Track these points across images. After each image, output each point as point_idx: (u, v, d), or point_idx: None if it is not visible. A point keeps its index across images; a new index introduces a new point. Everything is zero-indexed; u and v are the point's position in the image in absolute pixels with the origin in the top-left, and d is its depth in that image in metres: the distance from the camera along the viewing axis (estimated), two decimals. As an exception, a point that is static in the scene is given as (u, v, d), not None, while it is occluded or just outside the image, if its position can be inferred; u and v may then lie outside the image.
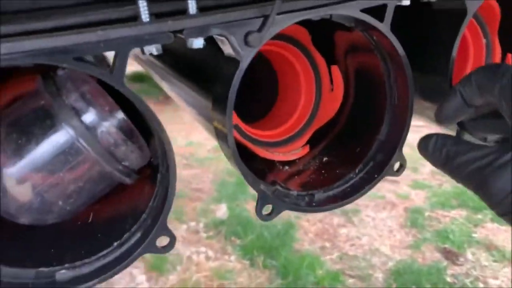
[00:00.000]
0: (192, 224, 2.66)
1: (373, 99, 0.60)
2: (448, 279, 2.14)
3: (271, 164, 0.65)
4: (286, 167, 0.65)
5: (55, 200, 0.48)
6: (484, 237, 2.42)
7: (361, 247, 2.48)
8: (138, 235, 0.50)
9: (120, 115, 0.50)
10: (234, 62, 0.46)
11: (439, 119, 0.51)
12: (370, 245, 2.48)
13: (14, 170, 0.46)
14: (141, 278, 2.18)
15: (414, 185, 2.97)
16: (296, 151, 0.66)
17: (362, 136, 0.61)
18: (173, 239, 0.50)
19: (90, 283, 0.47)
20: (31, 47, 0.37)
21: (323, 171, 0.62)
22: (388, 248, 2.45)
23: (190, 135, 3.86)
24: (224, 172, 3.22)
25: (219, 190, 3.00)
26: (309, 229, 2.65)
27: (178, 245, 2.44)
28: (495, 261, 2.24)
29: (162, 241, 0.50)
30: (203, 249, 2.44)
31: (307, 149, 0.66)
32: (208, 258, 2.37)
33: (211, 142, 3.71)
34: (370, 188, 0.57)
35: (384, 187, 2.98)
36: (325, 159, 0.64)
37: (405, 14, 0.54)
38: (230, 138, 0.48)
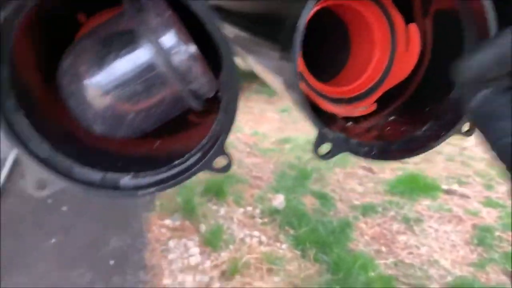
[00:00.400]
0: (249, 209, 2.70)
1: (449, 59, 0.57)
2: (513, 304, 1.98)
3: (334, 119, 0.65)
4: (350, 123, 0.64)
5: (127, 112, 0.52)
6: (561, 266, 2.20)
7: (419, 256, 2.36)
8: (198, 155, 0.53)
9: (194, 46, 0.52)
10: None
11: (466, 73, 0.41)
12: (429, 256, 2.36)
13: (93, 79, 0.50)
14: (195, 250, 2.25)
15: (487, 202, 2.76)
16: (363, 108, 0.65)
17: (434, 96, 0.59)
18: (229, 162, 0.51)
19: (149, 190, 0.50)
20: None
21: (388, 128, 0.61)
22: (449, 263, 2.31)
23: (257, 126, 3.92)
24: (285, 165, 3.23)
25: (278, 180, 3.01)
26: (366, 231, 2.57)
27: (233, 226, 2.51)
28: None
29: (220, 162, 0.52)
30: (256, 233, 2.46)
31: (374, 107, 0.65)
32: (260, 242, 2.40)
33: (276, 134, 3.74)
34: (434, 146, 0.55)
35: (453, 201, 2.81)
36: (391, 117, 0.63)
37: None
38: (293, 68, 0.49)
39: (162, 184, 0.51)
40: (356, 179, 3.02)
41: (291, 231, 2.50)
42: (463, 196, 2.85)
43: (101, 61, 0.49)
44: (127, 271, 2.07)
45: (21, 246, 2.21)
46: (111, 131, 0.53)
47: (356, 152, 0.54)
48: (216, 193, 2.73)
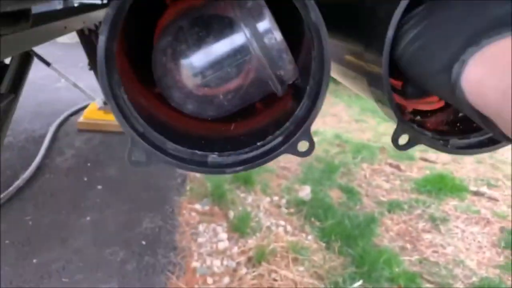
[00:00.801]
0: (276, 198, 2.73)
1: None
2: (540, 309, 1.97)
3: (403, 113, 0.67)
4: (418, 117, 0.66)
5: (217, 92, 0.55)
6: None
7: (444, 256, 2.36)
8: (280, 138, 0.56)
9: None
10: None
11: None
12: (454, 256, 2.36)
13: (191, 59, 0.53)
14: (223, 235, 2.30)
15: (516, 206, 2.74)
16: (431, 102, 0.66)
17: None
18: (312, 145, 0.54)
19: (236, 168, 0.53)
20: None
21: (457, 124, 0.62)
22: (475, 263, 2.30)
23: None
24: (312, 157, 3.25)
25: (305, 172, 3.03)
26: (391, 227, 2.58)
27: (260, 214, 2.55)
28: None
29: (302, 146, 0.55)
30: (282, 222, 2.50)
31: (442, 103, 0.66)
32: (286, 232, 2.43)
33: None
34: (509, 144, 0.56)
35: (481, 202, 2.80)
36: (461, 114, 0.64)
37: None
38: (384, 72, 0.51)
39: (248, 163, 0.54)
40: (383, 175, 3.02)
41: (317, 223, 2.53)
42: (491, 198, 2.82)
43: (199, 42, 0.52)
44: (158, 252, 2.13)
45: (57, 221, 2.29)
46: (201, 110, 0.57)
47: (431, 145, 0.56)
48: (244, 181, 2.77)
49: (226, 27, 0.52)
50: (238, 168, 0.54)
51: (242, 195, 2.68)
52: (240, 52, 0.52)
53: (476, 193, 2.86)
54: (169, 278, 2.01)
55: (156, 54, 0.55)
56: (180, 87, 0.55)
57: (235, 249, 2.23)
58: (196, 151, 0.56)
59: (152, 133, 0.54)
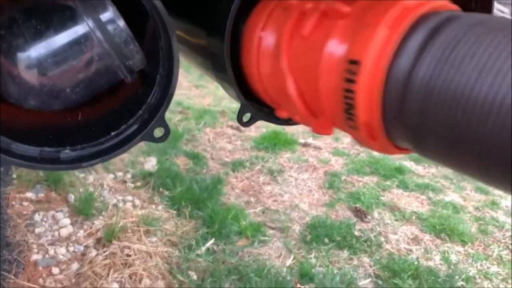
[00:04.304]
0: (119, 174, 2.63)
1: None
2: (356, 233, 2.40)
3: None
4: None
5: (64, 86, 0.51)
6: (389, 200, 2.73)
7: (283, 203, 2.65)
8: (135, 126, 0.55)
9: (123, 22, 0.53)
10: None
11: None
12: (290, 201, 2.67)
13: (30, 53, 0.48)
14: (65, 221, 2.14)
15: (335, 152, 3.22)
16: None
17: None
18: (168, 130, 0.55)
19: (93, 162, 0.51)
20: None
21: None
22: (307, 205, 2.65)
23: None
24: (153, 126, 3.19)
25: (148, 144, 2.94)
26: (236, 185, 2.76)
27: (103, 193, 2.43)
28: (396, 220, 2.55)
29: (158, 132, 0.55)
30: (129, 197, 2.44)
31: None
32: (135, 206, 2.39)
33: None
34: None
35: (308, 152, 3.20)
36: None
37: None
38: (226, 55, 0.54)
39: (105, 154, 0.52)
40: (225, 138, 3.18)
41: (166, 192, 2.54)
42: (316, 148, 3.25)
43: (38, 36, 0.47)
44: (-11, 252, 1.87)
45: None
46: (47, 104, 0.52)
47: (268, 119, 0.63)
48: (82, 159, 2.58)
49: (66, 19, 0.48)
50: (95, 161, 0.51)
51: (82, 175, 2.50)
52: (83, 43, 0.49)
53: (304, 145, 3.25)
54: (6, 278, 1.80)
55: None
56: (20, 83, 0.49)
57: (81, 233, 2.11)
58: (46, 148, 0.51)
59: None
